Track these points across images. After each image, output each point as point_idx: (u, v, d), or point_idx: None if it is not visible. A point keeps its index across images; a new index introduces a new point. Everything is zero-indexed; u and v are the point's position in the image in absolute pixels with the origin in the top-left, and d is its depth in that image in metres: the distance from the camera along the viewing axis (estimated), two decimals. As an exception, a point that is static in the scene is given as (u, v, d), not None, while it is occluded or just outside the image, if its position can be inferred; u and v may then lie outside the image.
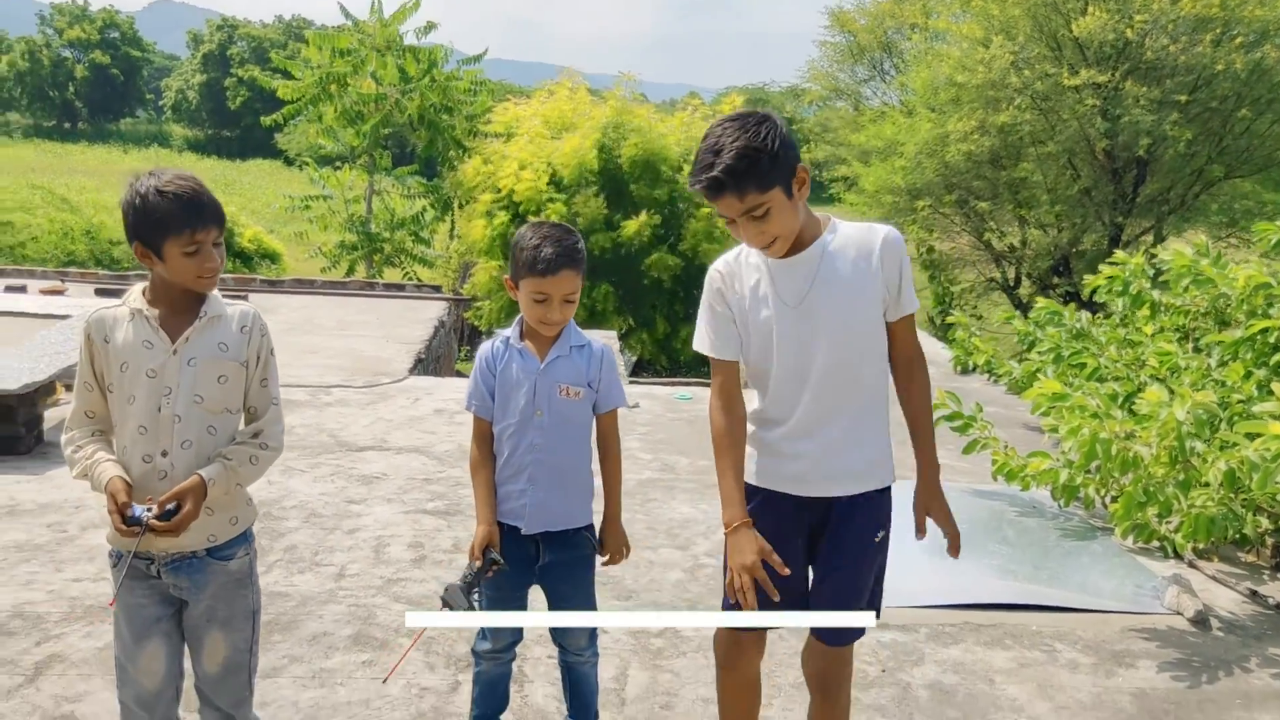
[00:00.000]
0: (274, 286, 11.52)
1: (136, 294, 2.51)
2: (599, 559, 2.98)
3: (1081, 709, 3.54)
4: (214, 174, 46.29)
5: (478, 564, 2.77)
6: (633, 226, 14.26)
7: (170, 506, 2.34)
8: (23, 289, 9.67)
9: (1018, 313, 8.11)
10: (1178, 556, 4.86)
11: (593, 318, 14.59)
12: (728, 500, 2.52)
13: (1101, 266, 6.11)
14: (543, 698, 3.45)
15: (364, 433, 6.47)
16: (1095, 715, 3.50)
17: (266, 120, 20.00)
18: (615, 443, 2.96)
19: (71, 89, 72.21)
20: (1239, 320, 5.46)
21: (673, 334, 15.47)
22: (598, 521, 2.97)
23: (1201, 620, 4.19)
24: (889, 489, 2.64)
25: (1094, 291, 6.37)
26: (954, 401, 5.38)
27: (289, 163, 55.90)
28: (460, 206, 18.59)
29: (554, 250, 2.75)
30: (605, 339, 4.15)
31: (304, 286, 11.77)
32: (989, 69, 16.85)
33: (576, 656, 3.04)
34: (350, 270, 19.29)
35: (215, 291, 2.53)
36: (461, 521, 5.04)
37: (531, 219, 14.08)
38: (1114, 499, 5.01)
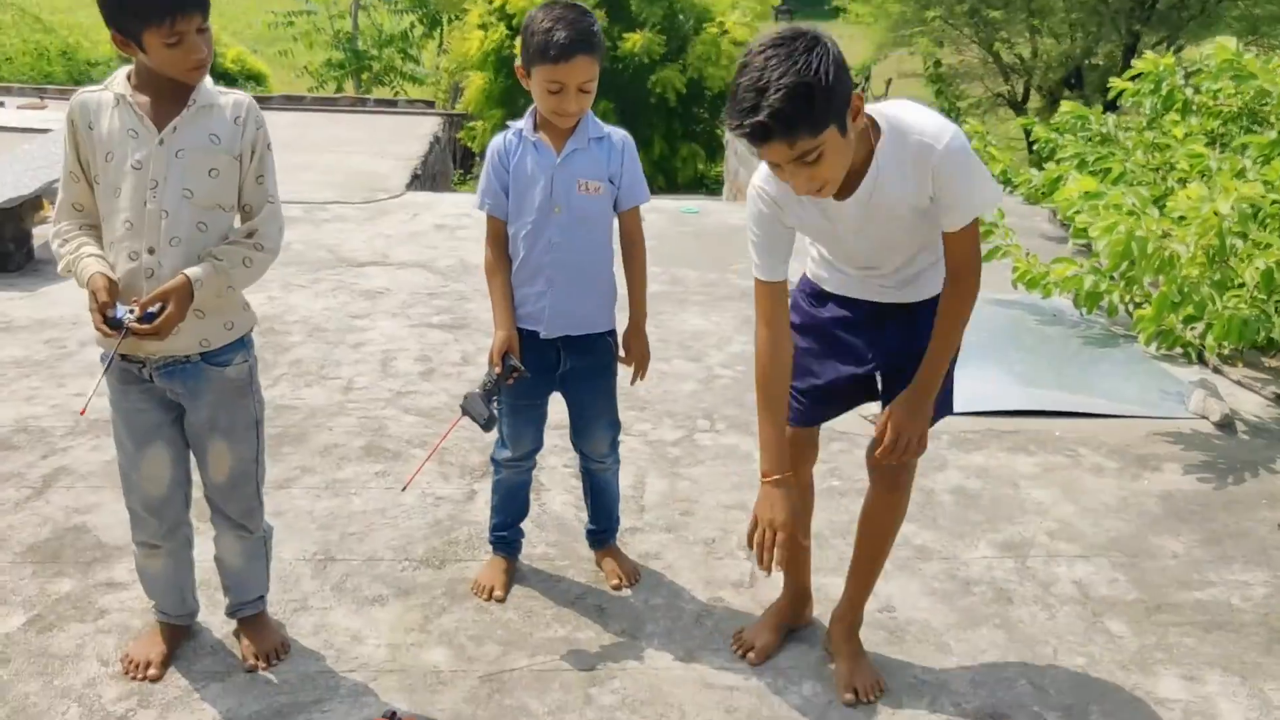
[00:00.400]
0: (262, 103, 11.03)
1: (121, 78, 2.28)
2: (621, 367, 2.86)
3: (1107, 511, 3.49)
4: (190, -9, 44.20)
5: (497, 370, 2.64)
6: (635, 41, 13.66)
7: (153, 308, 2.18)
8: (1, 104, 9.29)
9: (1037, 119, 7.81)
10: (1201, 362, 4.77)
11: (589, 138, 14.16)
12: (766, 448, 2.33)
13: (1134, 62, 5.80)
14: (560, 505, 3.40)
15: (363, 248, 6.28)
16: (1121, 517, 3.46)
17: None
18: (640, 242, 2.79)
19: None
20: (1273, 122, 5.21)
21: (670, 154, 15.05)
22: (619, 328, 2.84)
23: (1227, 424, 4.12)
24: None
25: (1116, 98, 6.08)
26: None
27: (265, -22, 53.64)
28: (449, 21, 17.82)
29: (568, 34, 2.50)
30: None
31: (293, 103, 11.31)
32: None
33: (598, 463, 2.96)
34: (338, 89, 18.65)
35: (208, 79, 2.29)
36: (469, 335, 4.91)
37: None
38: (1138, 305, 4.88)
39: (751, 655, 2.67)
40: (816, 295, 2.51)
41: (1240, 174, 4.35)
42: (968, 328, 2.35)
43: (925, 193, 2.16)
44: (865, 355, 2.47)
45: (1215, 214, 3.67)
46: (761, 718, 2.48)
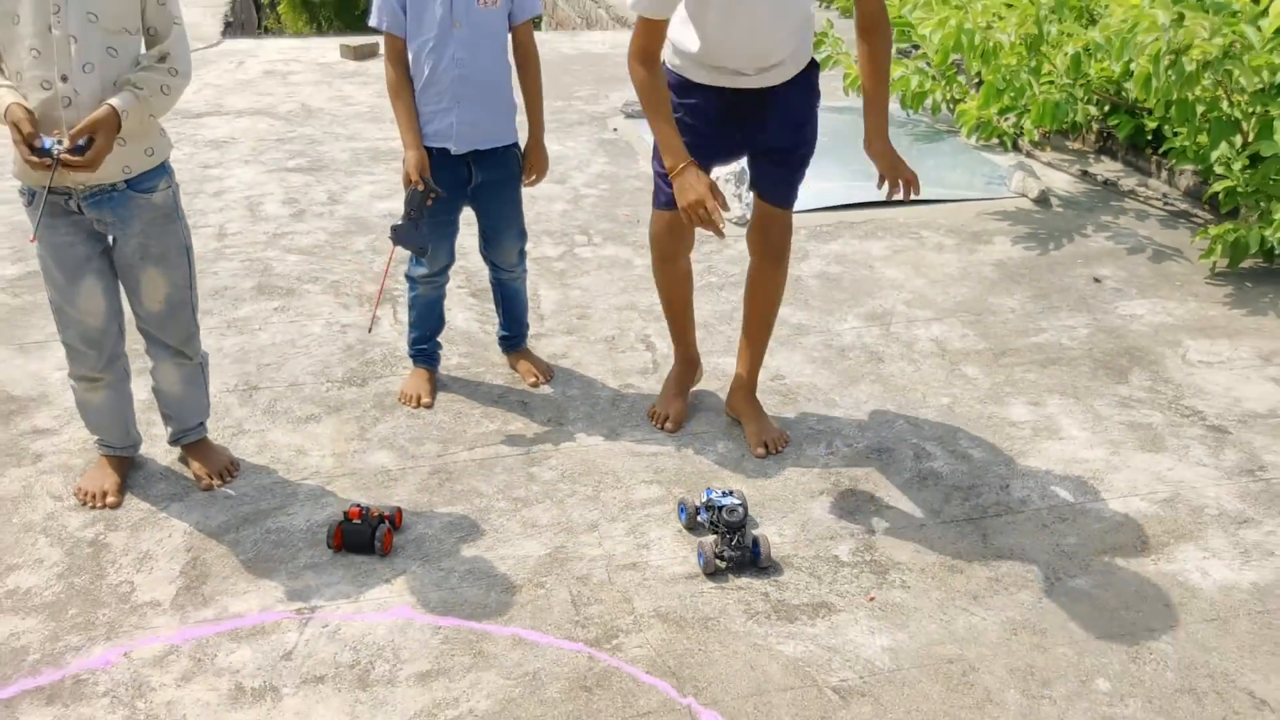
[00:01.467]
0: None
1: None
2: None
3: (951, 281, 3.93)
4: None
5: (420, 189, 2.75)
6: None
7: (81, 140, 2.21)
8: None
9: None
10: (1016, 150, 5.26)
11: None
12: (666, 146, 2.50)
13: None
14: (463, 321, 3.57)
15: (195, 99, 6.05)
16: (964, 284, 3.91)
17: None
18: (535, 55, 2.92)
19: None
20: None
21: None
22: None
23: (1043, 199, 4.62)
24: (811, 71, 2.72)
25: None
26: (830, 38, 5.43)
27: None
28: None
29: None
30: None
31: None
32: None
33: (508, 272, 3.15)
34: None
35: None
36: (331, 175, 4.91)
37: None
38: (958, 101, 5.30)
39: (668, 424, 2.98)
40: (681, 86, 2.67)
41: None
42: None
43: None
44: (734, 148, 2.75)
45: (1032, 3, 4.04)
46: (686, 473, 2.80)
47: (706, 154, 2.62)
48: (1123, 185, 4.75)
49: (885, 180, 2.63)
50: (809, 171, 2.86)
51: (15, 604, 2.31)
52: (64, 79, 2.25)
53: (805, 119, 2.73)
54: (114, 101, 2.24)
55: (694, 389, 3.13)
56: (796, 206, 2.90)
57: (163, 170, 2.47)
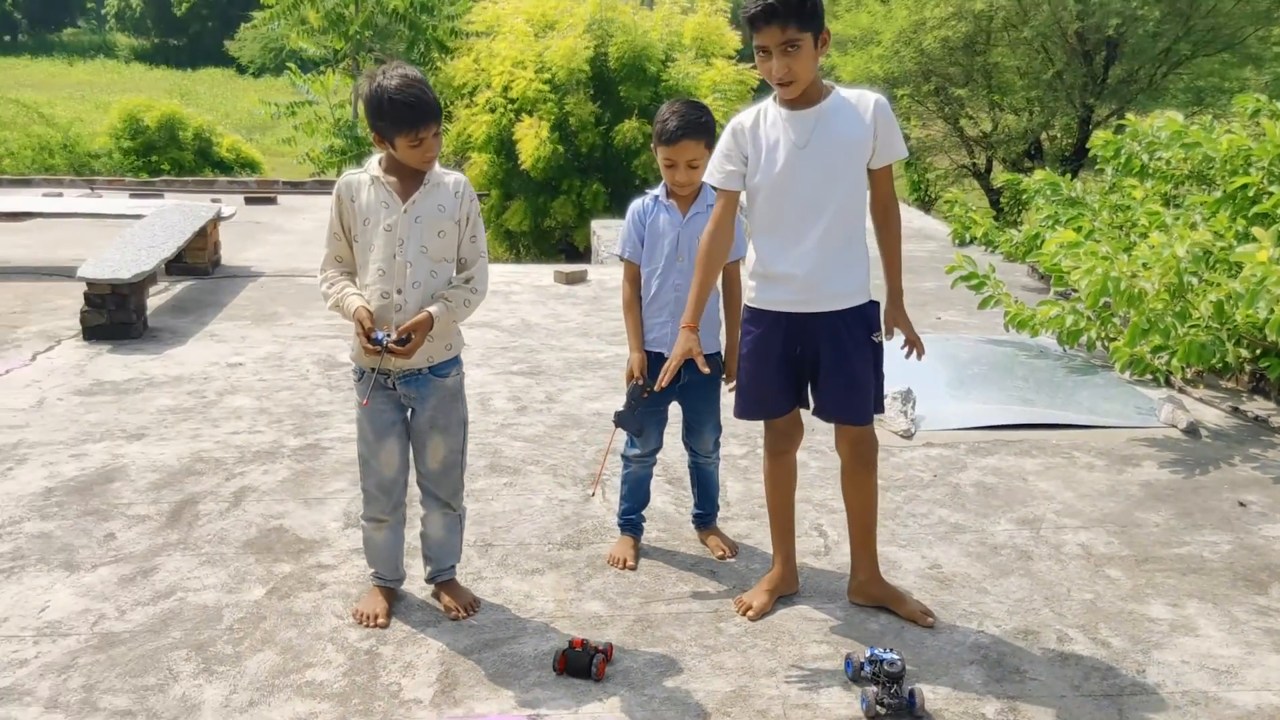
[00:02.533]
0: (295, 188, 11.94)
1: (374, 164, 3.11)
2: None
3: (1099, 495, 4.32)
4: (167, 84, 45.46)
5: (639, 384, 3.44)
6: (626, 130, 14.69)
7: (404, 336, 3.00)
8: (59, 195, 10.06)
9: (1021, 175, 8.78)
10: (1169, 385, 5.65)
11: (581, 216, 15.11)
12: (692, 304, 3.18)
13: (1098, 133, 6.79)
14: (662, 503, 4.17)
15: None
16: (1111, 499, 4.29)
17: (247, 27, 20.01)
18: (736, 284, 3.63)
19: (9, 1, 70.02)
20: (1218, 182, 6.18)
21: (657, 227, 15.97)
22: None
23: (1192, 431, 4.98)
24: (873, 303, 3.28)
25: (1078, 165, 7.02)
26: (969, 264, 6.09)
27: (241, 70, 54.89)
28: (445, 107, 18.83)
29: (676, 123, 3.37)
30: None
31: (328, 188, 12.18)
32: (965, -46, 17.24)
33: (705, 458, 3.76)
34: (339, 174, 19.53)
35: (438, 165, 3.13)
36: (548, 379, 5.72)
37: (527, 118, 14.49)
38: (1112, 340, 5.77)
39: (750, 612, 3.37)
40: (754, 319, 3.24)
41: (1192, 226, 5.28)
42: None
43: (869, 128, 3.02)
44: (800, 382, 3.30)
45: (1174, 257, 4.57)
46: (852, 636, 3.25)
47: (773, 388, 3.26)
48: (1273, 422, 5.06)
49: (907, 343, 3.28)
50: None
51: (312, 691, 2.93)
52: (399, 292, 3.06)
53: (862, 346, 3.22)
54: (431, 309, 3.04)
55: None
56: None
57: (456, 361, 3.24)
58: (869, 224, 3.23)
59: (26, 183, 13.33)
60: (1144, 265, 4.83)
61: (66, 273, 7.30)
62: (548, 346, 6.38)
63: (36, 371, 5.63)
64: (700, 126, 3.40)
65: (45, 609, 3.32)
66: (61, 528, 3.87)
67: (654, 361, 3.52)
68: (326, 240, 3.16)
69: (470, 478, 4.39)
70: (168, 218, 7.34)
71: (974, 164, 21.74)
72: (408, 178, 3.08)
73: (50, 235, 9.38)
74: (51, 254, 8.54)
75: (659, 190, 3.55)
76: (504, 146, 15.09)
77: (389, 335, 3.00)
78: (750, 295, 3.28)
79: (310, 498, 4.20)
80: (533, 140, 13.94)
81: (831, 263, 3.13)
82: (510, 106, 14.91)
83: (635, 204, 3.57)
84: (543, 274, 8.50)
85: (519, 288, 7.90)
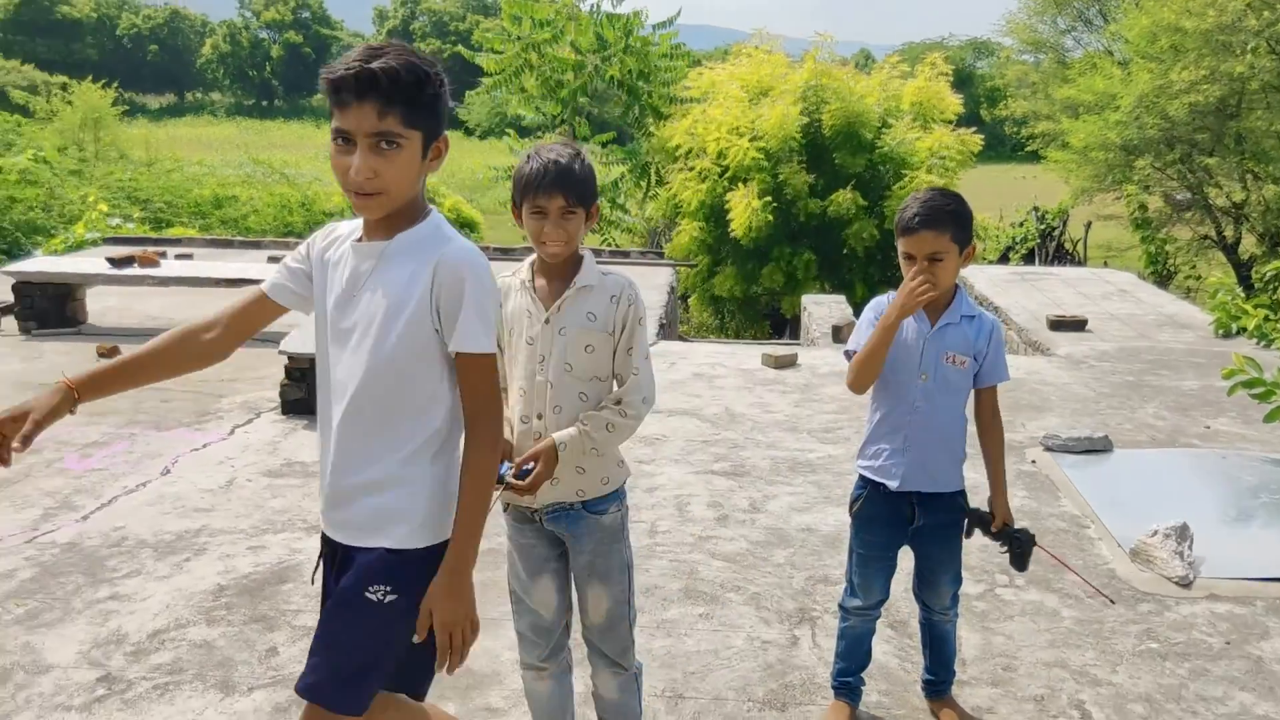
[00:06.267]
0: (505, 254, 11.95)
1: (526, 266, 2.64)
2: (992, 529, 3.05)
3: None
4: (403, 146, 47.91)
5: (1016, 531, 3.08)
6: (840, 200, 14.15)
7: (527, 467, 2.49)
8: (279, 258, 10.34)
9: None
10: None
11: (790, 283, 14.58)
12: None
13: None
14: (883, 653, 3.53)
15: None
16: None
17: (474, 93, 20.68)
18: (998, 417, 3.01)
19: (268, 68, 76.35)
20: None
21: (869, 298, 15.27)
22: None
23: None
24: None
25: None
26: (1253, 368, 5.16)
27: (468, 133, 57.58)
28: (658, 172, 18.78)
29: (914, 212, 2.80)
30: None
31: (530, 253, 12.13)
32: (1220, 12, 15.82)
33: (940, 615, 3.12)
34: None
35: (590, 261, 2.59)
36: (752, 482, 5.17)
37: (740, 186, 14.15)
38: None
39: None
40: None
41: None
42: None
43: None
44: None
45: None
46: None
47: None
48: None
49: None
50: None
51: None
52: (539, 417, 2.57)
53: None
54: (556, 436, 2.52)
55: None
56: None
57: (615, 496, 2.70)
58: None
59: (256, 245, 13.92)
60: None
61: (265, 338, 7.31)
62: (753, 442, 5.84)
63: (232, 448, 5.53)
64: (945, 215, 2.80)
65: (192, 739, 3.02)
66: (225, 636, 3.60)
67: (874, 492, 2.95)
68: None
69: (663, 603, 3.89)
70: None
71: (1221, 236, 19.87)
72: (556, 280, 2.58)
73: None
74: (268, 317, 8.63)
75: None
76: (714, 213, 14.80)
77: (508, 468, 2.52)
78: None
79: (486, 617, 3.73)
80: (744, 209, 13.59)
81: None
82: (724, 175, 14.63)
83: (878, 300, 2.97)
84: (749, 356, 7.98)
85: (724, 370, 7.40)
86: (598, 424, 2.55)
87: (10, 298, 8.10)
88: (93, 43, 71.58)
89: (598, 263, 2.62)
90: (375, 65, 1.94)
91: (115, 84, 32.54)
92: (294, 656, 3.47)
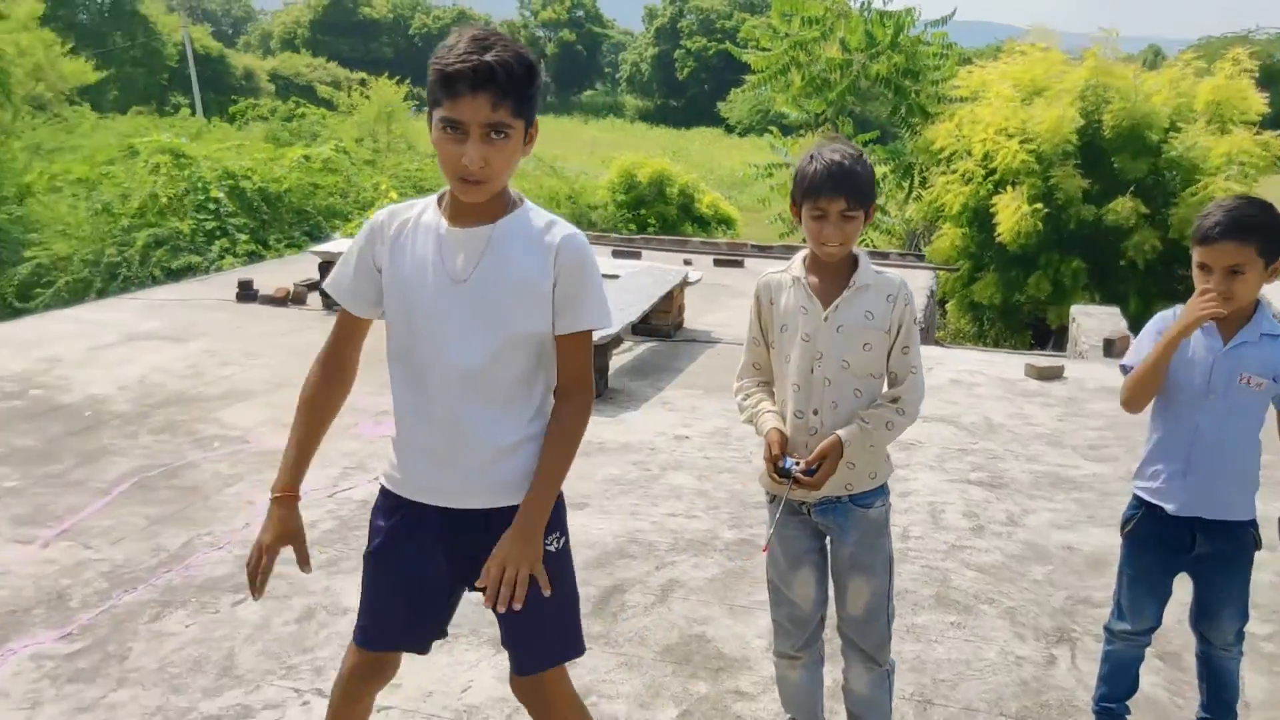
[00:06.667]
0: (763, 252, 12.05)
1: (798, 262, 2.70)
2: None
3: None
4: (662, 142, 49.11)
5: None
6: (1119, 208, 13.31)
7: (814, 465, 2.55)
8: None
9: None
10: None
11: (1057, 292, 13.86)
12: None
13: None
14: (1150, 684, 3.37)
15: (884, 398, 6.63)
16: None
17: (738, 91, 20.91)
18: None
19: (543, 65, 79.93)
20: None
21: (1145, 312, 14.27)
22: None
23: None
24: None
25: None
26: None
27: (729, 130, 58.15)
28: (921, 173, 18.34)
29: (1216, 220, 2.63)
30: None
31: (793, 253, 12.15)
32: None
33: (1222, 650, 2.94)
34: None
35: (866, 260, 2.63)
36: (1010, 495, 5.03)
37: (1008, 189, 13.60)
38: None
39: None
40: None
41: None
42: None
43: None
44: None
45: None
46: None
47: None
48: None
49: None
50: None
51: None
52: (815, 412, 2.63)
53: None
54: (841, 433, 2.57)
55: None
56: None
57: (882, 490, 2.74)
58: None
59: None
60: None
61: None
62: (1012, 454, 5.66)
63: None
64: (1252, 225, 2.61)
65: (468, 689, 3.29)
66: (496, 597, 3.88)
67: (1149, 514, 2.83)
68: (745, 345, 2.82)
69: (914, 608, 3.88)
70: (639, 280, 7.55)
71: None
72: (831, 279, 2.62)
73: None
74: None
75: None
76: (978, 218, 14.30)
77: (797, 463, 2.59)
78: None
79: (737, 605, 3.90)
80: (1012, 213, 13.06)
81: None
82: (989, 178, 14.11)
83: (1163, 314, 2.84)
84: (1010, 365, 7.70)
85: (983, 379, 7.19)
86: (878, 421, 2.60)
87: (317, 275, 8.95)
88: (388, 42, 77.21)
89: None
90: (490, 58, 1.98)
91: (407, 80, 34.97)
92: (557, 622, 3.70)
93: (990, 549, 4.43)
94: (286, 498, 2.23)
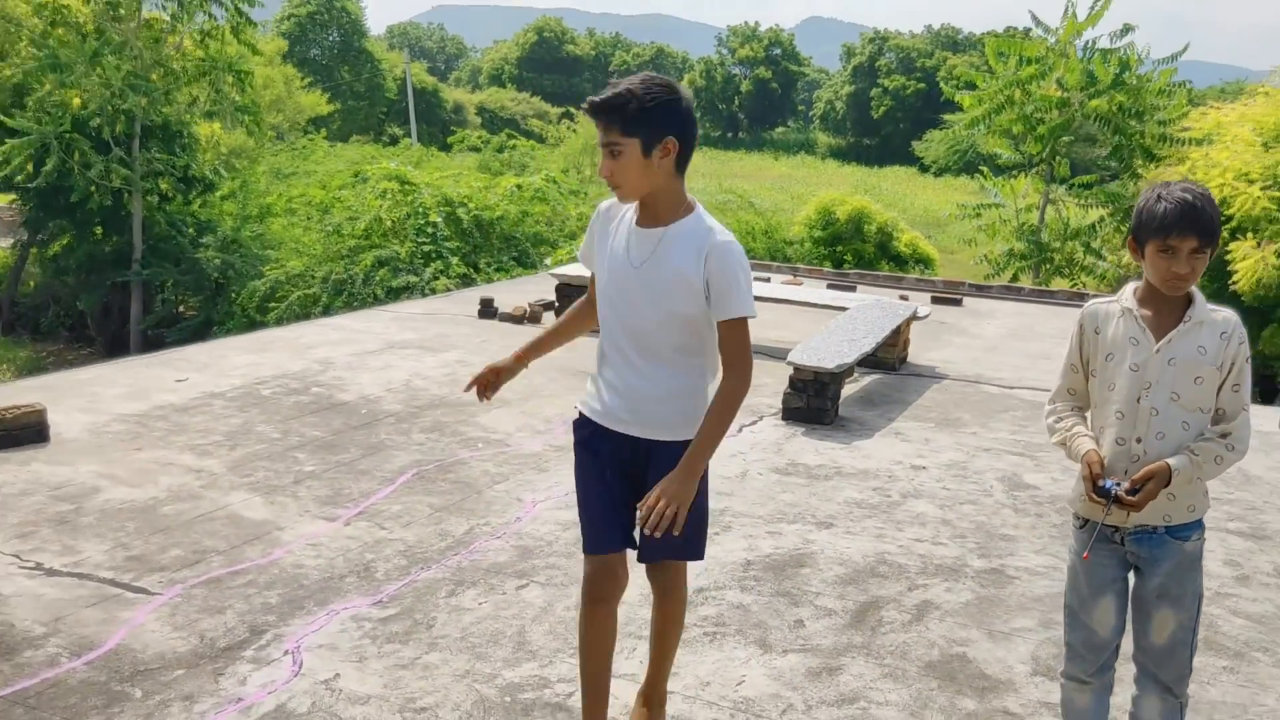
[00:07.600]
0: (981, 291, 11.89)
1: (1128, 294, 2.76)
2: None
3: None
4: (854, 179, 48.79)
5: None
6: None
7: (1136, 487, 2.59)
8: (767, 280, 11.09)
9: None
10: None
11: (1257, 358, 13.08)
12: None
13: None
14: None
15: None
16: None
17: (936, 130, 20.64)
18: None
19: (736, 102, 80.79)
20: None
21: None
22: None
23: None
24: None
25: None
26: None
27: (924, 169, 57.19)
28: (1141, 217, 17.64)
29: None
30: None
31: (1011, 293, 11.96)
32: None
33: None
34: (1015, 278, 19.22)
35: (1201, 298, 2.66)
36: (1274, 546, 4.87)
37: (1246, 237, 12.96)
38: None
39: None
40: None
41: None
42: None
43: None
44: None
45: None
46: None
47: None
48: None
49: None
50: None
51: None
52: (1138, 440, 2.67)
53: None
54: (1171, 461, 2.60)
55: None
56: None
57: (1198, 524, 2.76)
58: None
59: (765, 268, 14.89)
60: None
61: (769, 352, 7.93)
62: (1273, 506, 5.45)
63: (741, 444, 6.10)
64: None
65: (741, 683, 3.47)
66: (758, 603, 4.05)
67: None
68: (1062, 370, 2.88)
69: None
70: (869, 313, 7.62)
71: None
72: (1164, 312, 2.68)
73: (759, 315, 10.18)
74: (759, 332, 9.30)
75: None
76: (1210, 267, 13.64)
77: (1119, 484, 2.64)
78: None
79: (995, 630, 3.94)
80: (1253, 262, 12.42)
81: None
82: (1225, 225, 13.48)
83: None
84: (1262, 417, 7.38)
85: (1232, 429, 6.96)
86: (1207, 455, 2.64)
87: (553, 296, 9.43)
88: (589, 78, 79.72)
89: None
90: (603, 94, 2.67)
91: (609, 115, 35.97)
92: (818, 631, 3.84)
93: (1259, 599, 4.31)
94: (519, 355, 3.18)
